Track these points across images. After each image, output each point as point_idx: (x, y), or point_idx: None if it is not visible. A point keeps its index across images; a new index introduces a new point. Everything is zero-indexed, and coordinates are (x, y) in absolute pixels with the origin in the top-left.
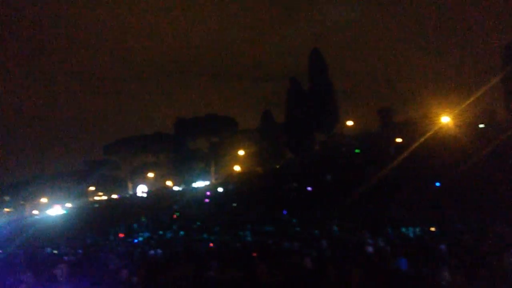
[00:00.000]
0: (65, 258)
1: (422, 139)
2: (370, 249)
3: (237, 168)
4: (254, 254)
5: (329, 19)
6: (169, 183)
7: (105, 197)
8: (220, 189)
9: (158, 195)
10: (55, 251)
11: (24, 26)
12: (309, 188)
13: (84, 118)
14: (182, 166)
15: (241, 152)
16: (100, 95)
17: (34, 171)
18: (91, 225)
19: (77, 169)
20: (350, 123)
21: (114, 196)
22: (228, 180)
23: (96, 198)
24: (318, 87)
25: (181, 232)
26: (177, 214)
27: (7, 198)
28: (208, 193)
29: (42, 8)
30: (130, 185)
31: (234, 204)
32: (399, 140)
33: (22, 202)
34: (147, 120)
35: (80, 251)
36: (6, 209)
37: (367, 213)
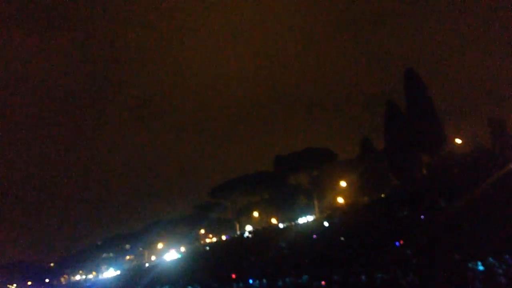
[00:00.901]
0: None
1: None
2: (502, 279)
3: (340, 200)
4: None
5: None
6: (274, 220)
7: (215, 239)
8: (325, 224)
9: (264, 234)
10: None
11: (131, 83)
12: (422, 216)
13: (190, 165)
14: (285, 203)
15: (343, 184)
16: (201, 142)
17: (150, 220)
18: (205, 268)
19: (188, 214)
20: (458, 141)
21: (224, 237)
22: (333, 213)
23: (207, 240)
24: (416, 107)
25: (291, 272)
26: (285, 251)
27: (127, 246)
28: (314, 228)
29: (146, 63)
30: (237, 226)
31: (342, 238)
32: None
33: (141, 249)
34: (248, 160)
35: None
36: (128, 257)
37: (490, 238)
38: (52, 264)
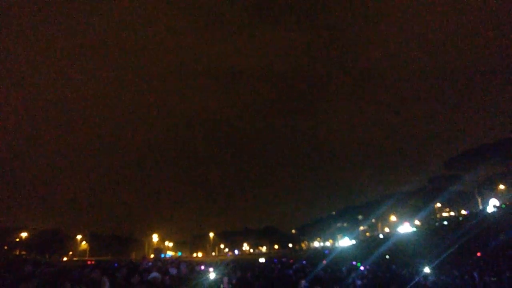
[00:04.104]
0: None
1: None
2: None
3: None
4: None
5: None
6: None
7: (452, 213)
8: None
9: None
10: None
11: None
12: None
13: (424, 135)
14: None
15: None
16: (434, 111)
17: (382, 192)
18: (444, 244)
19: (421, 187)
20: None
21: (463, 211)
22: None
23: (444, 214)
24: None
25: None
26: None
27: (360, 217)
28: None
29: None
30: (479, 199)
31: None
32: None
33: (373, 220)
34: (487, 127)
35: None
36: (361, 227)
37: None
38: (293, 231)
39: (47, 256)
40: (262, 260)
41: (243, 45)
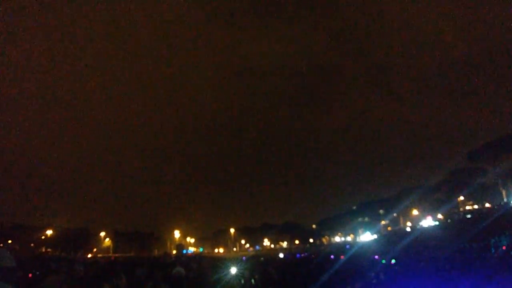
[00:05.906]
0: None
1: None
2: None
3: None
4: None
5: None
6: None
7: (476, 206)
8: None
9: None
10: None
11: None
12: None
13: (446, 127)
14: None
15: None
16: (455, 102)
17: (403, 186)
18: (466, 237)
19: (444, 180)
20: None
21: (487, 205)
22: None
23: (467, 207)
24: None
25: None
26: None
27: (381, 211)
28: None
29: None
30: (503, 192)
31: None
32: None
33: (395, 215)
34: (510, 117)
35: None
36: (383, 222)
37: None
38: (314, 226)
39: (72, 253)
40: (281, 255)
41: (255, 41)
